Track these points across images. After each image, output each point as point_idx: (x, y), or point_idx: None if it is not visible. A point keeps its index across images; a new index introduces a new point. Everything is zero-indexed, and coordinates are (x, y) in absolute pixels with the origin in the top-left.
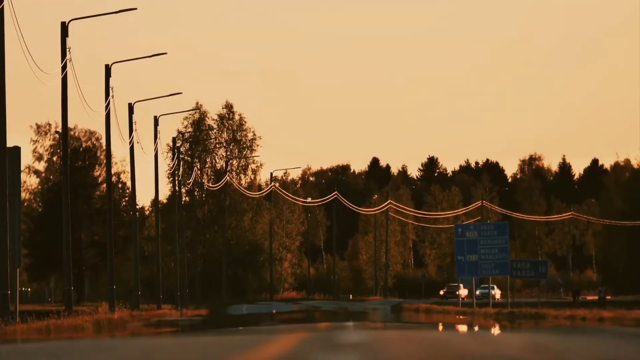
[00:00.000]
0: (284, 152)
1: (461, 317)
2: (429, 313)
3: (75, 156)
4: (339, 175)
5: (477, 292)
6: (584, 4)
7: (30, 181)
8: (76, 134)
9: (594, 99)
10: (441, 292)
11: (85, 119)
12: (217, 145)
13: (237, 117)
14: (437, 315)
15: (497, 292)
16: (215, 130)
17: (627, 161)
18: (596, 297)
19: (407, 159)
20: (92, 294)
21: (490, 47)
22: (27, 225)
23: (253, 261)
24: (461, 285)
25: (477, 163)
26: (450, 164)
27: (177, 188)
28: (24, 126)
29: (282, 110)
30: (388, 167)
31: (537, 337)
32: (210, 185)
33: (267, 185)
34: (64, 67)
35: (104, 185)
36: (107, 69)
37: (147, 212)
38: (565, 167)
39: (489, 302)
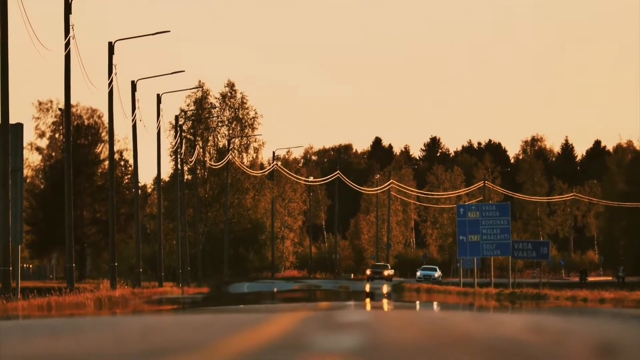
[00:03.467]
0: (286, 131)
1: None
2: (430, 293)
3: (78, 133)
4: (341, 155)
5: (419, 274)
6: None
7: (32, 158)
8: (78, 112)
9: (597, 80)
10: (367, 272)
11: (88, 96)
12: (219, 124)
13: (238, 96)
14: (438, 295)
15: (438, 274)
16: (217, 108)
17: (630, 143)
18: (604, 278)
19: (409, 139)
20: (93, 271)
21: (493, 28)
22: (29, 202)
23: (255, 240)
24: (388, 265)
25: (479, 143)
26: (452, 144)
27: (179, 166)
28: (26, 103)
29: (285, 89)
30: (390, 146)
31: (537, 317)
32: (212, 163)
33: (269, 164)
34: (67, 44)
35: (106, 162)
36: (110, 47)
37: (149, 190)
38: (567, 148)
39: (436, 282)
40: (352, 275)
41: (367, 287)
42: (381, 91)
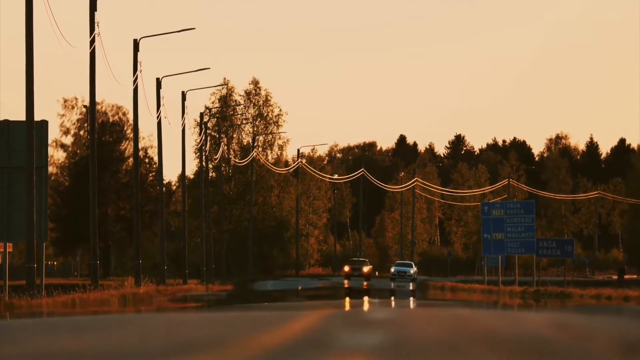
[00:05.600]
0: (311, 129)
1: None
2: (455, 291)
3: (102, 130)
4: (365, 152)
5: (393, 270)
6: None
7: (57, 155)
8: (103, 109)
9: (621, 77)
10: (346, 269)
11: (113, 93)
12: (244, 121)
13: (263, 93)
14: (463, 293)
15: (413, 270)
16: (242, 106)
17: None
18: (629, 276)
19: (434, 137)
20: (118, 268)
21: (515, 27)
22: (53, 199)
23: (279, 237)
24: (367, 260)
25: (504, 141)
26: (477, 142)
27: (204, 163)
28: (51, 100)
29: (310, 86)
30: (415, 144)
31: (562, 315)
32: (236, 160)
33: (294, 161)
34: (92, 42)
35: (131, 159)
36: (136, 44)
37: (174, 187)
38: (592, 146)
39: (410, 280)
40: (377, 273)
41: (392, 285)
42: (406, 89)
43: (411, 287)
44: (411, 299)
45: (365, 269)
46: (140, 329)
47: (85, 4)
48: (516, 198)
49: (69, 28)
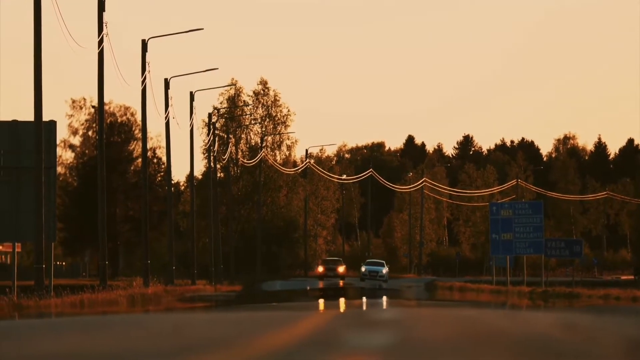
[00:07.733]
0: (320, 129)
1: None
2: (463, 291)
3: (111, 131)
4: (373, 153)
5: (363, 269)
6: None
7: (65, 156)
8: (111, 109)
9: (629, 78)
10: (320, 269)
11: (121, 94)
12: (252, 121)
13: (271, 93)
14: (471, 294)
15: (385, 270)
16: (250, 106)
17: None
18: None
19: (442, 137)
20: (126, 268)
21: (524, 26)
22: (62, 199)
23: (287, 237)
24: (341, 259)
25: (512, 142)
26: (485, 142)
27: (212, 164)
28: (59, 101)
29: (318, 87)
30: (423, 145)
31: (569, 315)
32: (245, 161)
33: (302, 161)
34: (100, 42)
35: (139, 160)
36: (144, 44)
37: (182, 188)
38: (600, 146)
39: (382, 280)
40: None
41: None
42: (414, 89)
43: (384, 287)
44: (384, 297)
45: (340, 268)
46: (148, 330)
47: (93, 4)
48: (524, 198)
49: (77, 28)
